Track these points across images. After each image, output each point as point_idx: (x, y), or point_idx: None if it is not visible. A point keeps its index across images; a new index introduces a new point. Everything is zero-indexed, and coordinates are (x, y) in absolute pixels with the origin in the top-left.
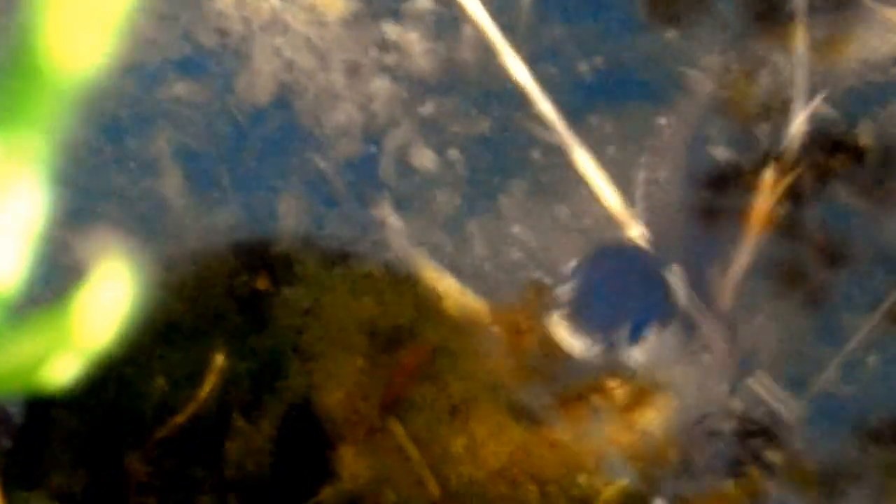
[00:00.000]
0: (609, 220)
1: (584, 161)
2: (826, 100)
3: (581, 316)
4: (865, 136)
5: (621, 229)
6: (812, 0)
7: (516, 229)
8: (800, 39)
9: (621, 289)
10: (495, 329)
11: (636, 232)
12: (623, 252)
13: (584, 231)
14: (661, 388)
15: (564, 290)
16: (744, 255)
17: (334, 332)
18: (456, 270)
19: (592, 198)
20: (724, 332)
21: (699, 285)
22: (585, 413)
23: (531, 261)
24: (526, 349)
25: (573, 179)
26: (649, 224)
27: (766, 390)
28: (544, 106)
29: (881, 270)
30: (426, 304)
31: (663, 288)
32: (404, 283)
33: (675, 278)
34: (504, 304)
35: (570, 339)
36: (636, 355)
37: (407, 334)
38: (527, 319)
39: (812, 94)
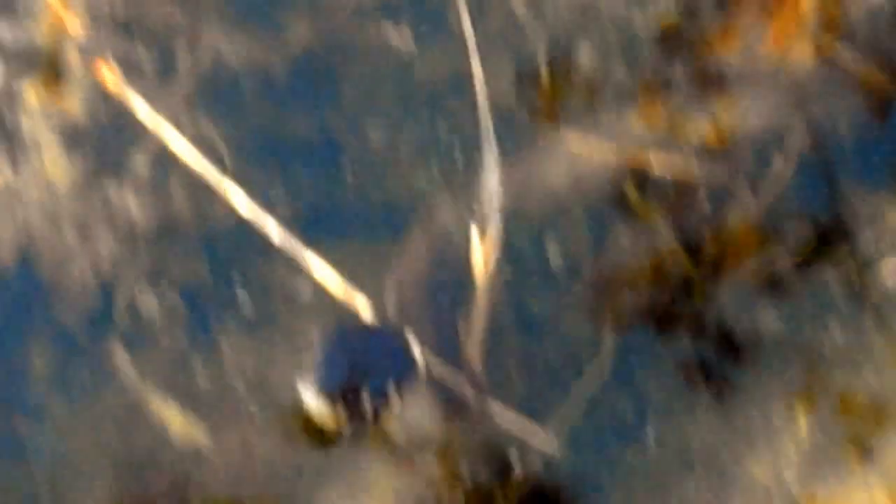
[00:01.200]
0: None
1: (318, 274)
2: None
3: (324, 384)
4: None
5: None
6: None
7: (235, 361)
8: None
9: (361, 358)
10: (220, 452)
11: (372, 315)
12: (362, 327)
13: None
14: (419, 447)
15: (308, 363)
16: (481, 313)
17: (82, 467)
18: (183, 403)
19: (315, 318)
20: (475, 385)
21: (450, 350)
22: None
23: (249, 386)
24: (253, 469)
25: (294, 305)
26: (400, 311)
27: (518, 428)
28: (272, 234)
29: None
30: (160, 435)
31: (400, 354)
32: (140, 417)
33: (412, 345)
34: (226, 427)
35: (316, 406)
36: (385, 417)
37: (147, 463)
38: (249, 441)
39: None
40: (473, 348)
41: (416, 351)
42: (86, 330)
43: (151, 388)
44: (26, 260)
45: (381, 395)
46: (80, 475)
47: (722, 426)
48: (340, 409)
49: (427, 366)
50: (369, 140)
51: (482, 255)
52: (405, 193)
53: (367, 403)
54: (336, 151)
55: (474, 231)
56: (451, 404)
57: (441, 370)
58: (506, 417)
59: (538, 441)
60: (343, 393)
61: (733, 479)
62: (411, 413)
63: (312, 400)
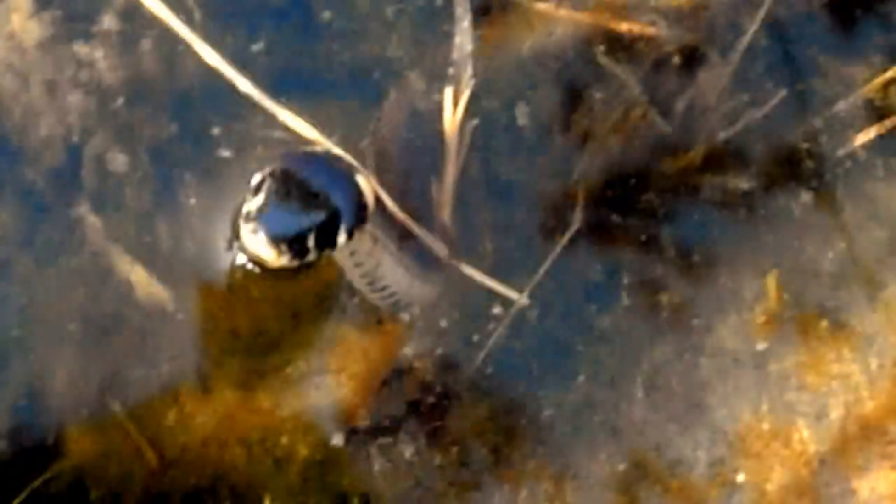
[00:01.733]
0: None
1: (292, 130)
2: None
3: (267, 227)
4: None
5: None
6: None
7: (197, 223)
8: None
9: (305, 197)
10: (181, 317)
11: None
12: (310, 161)
13: None
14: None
15: (251, 204)
16: (451, 168)
17: (51, 324)
18: (148, 262)
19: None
20: (445, 236)
21: (422, 198)
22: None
23: (209, 250)
24: (217, 330)
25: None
26: (378, 162)
27: (489, 283)
28: (243, 90)
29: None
30: (127, 293)
31: (350, 194)
32: (107, 275)
33: (363, 184)
34: (189, 289)
35: (260, 250)
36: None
37: (113, 321)
38: (216, 305)
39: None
40: (444, 206)
41: (369, 191)
42: (53, 189)
43: (118, 248)
44: None
45: (325, 240)
46: (48, 332)
47: (693, 294)
48: (283, 252)
49: (393, 217)
50: (343, 3)
51: (454, 117)
52: (378, 58)
53: (310, 248)
54: (308, 14)
55: (447, 94)
56: (424, 260)
57: (412, 226)
58: (477, 275)
59: (511, 298)
60: (285, 238)
61: (703, 346)
62: (369, 260)
63: (255, 244)
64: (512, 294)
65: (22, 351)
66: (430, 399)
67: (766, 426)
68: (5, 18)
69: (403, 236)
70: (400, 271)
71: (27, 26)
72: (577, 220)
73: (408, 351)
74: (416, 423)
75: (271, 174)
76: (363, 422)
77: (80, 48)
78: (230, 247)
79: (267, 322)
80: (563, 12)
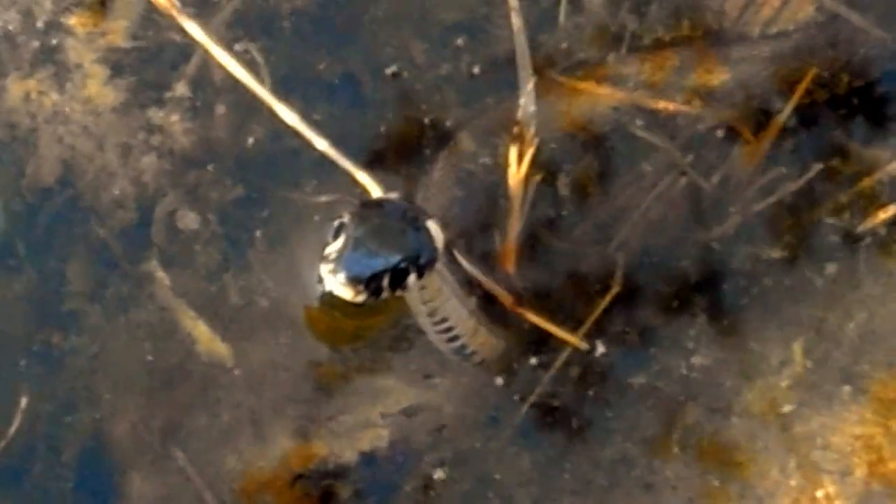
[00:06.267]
0: None
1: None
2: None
3: (345, 268)
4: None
5: None
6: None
7: (264, 279)
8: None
9: (381, 241)
10: (241, 370)
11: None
12: (385, 207)
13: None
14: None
15: (331, 247)
16: (515, 221)
17: (118, 374)
18: (213, 316)
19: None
20: (509, 286)
21: (483, 250)
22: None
23: (275, 305)
24: (274, 381)
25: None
26: (437, 214)
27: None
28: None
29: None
30: (191, 347)
31: (422, 238)
32: (173, 328)
33: (434, 229)
34: (248, 343)
35: (338, 289)
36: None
37: (178, 373)
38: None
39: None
40: (509, 257)
41: (438, 236)
42: (124, 246)
43: (183, 304)
44: (70, 178)
45: (398, 280)
46: (115, 381)
47: (722, 358)
48: (359, 292)
49: (461, 266)
50: (402, 69)
51: (518, 172)
52: (429, 120)
53: (384, 287)
54: (361, 84)
55: (512, 151)
56: (489, 310)
57: (479, 275)
58: (543, 323)
59: (576, 343)
60: (361, 278)
61: (732, 408)
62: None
63: (333, 284)
64: (577, 342)
65: (90, 398)
66: (475, 450)
67: (793, 483)
68: (82, 84)
69: (469, 284)
70: (465, 313)
71: (103, 92)
72: (616, 284)
73: (455, 405)
74: (463, 473)
75: (350, 219)
76: (413, 469)
77: (153, 113)
78: (318, 282)
79: (321, 372)
80: (604, 90)
